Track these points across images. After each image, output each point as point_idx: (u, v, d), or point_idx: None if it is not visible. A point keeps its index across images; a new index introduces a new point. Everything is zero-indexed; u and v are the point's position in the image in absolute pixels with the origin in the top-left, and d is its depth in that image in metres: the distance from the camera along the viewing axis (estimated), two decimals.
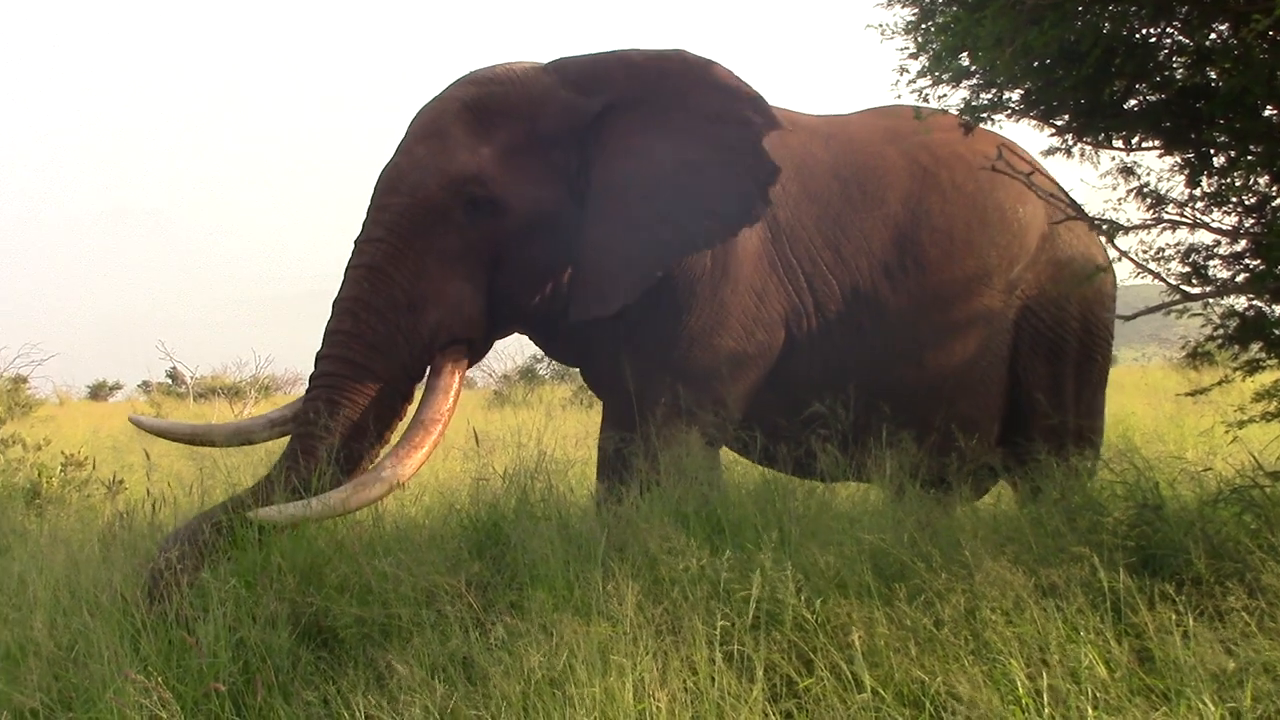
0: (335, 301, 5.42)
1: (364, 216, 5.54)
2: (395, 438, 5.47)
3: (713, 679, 3.61)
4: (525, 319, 5.95)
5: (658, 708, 3.44)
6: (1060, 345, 6.47)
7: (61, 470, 7.91)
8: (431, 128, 5.58)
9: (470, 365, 5.84)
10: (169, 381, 30.45)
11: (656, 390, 5.65)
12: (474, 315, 5.52)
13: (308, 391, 5.41)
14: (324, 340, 5.40)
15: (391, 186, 5.47)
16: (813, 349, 5.99)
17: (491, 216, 5.47)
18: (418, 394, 5.56)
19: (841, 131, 6.37)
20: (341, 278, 5.48)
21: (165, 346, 23.31)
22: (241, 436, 5.70)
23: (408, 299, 5.33)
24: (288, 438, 5.49)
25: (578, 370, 6.94)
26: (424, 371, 5.53)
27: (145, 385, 32.34)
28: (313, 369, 5.43)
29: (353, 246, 5.49)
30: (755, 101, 5.75)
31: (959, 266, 6.15)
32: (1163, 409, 12.25)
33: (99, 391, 36.46)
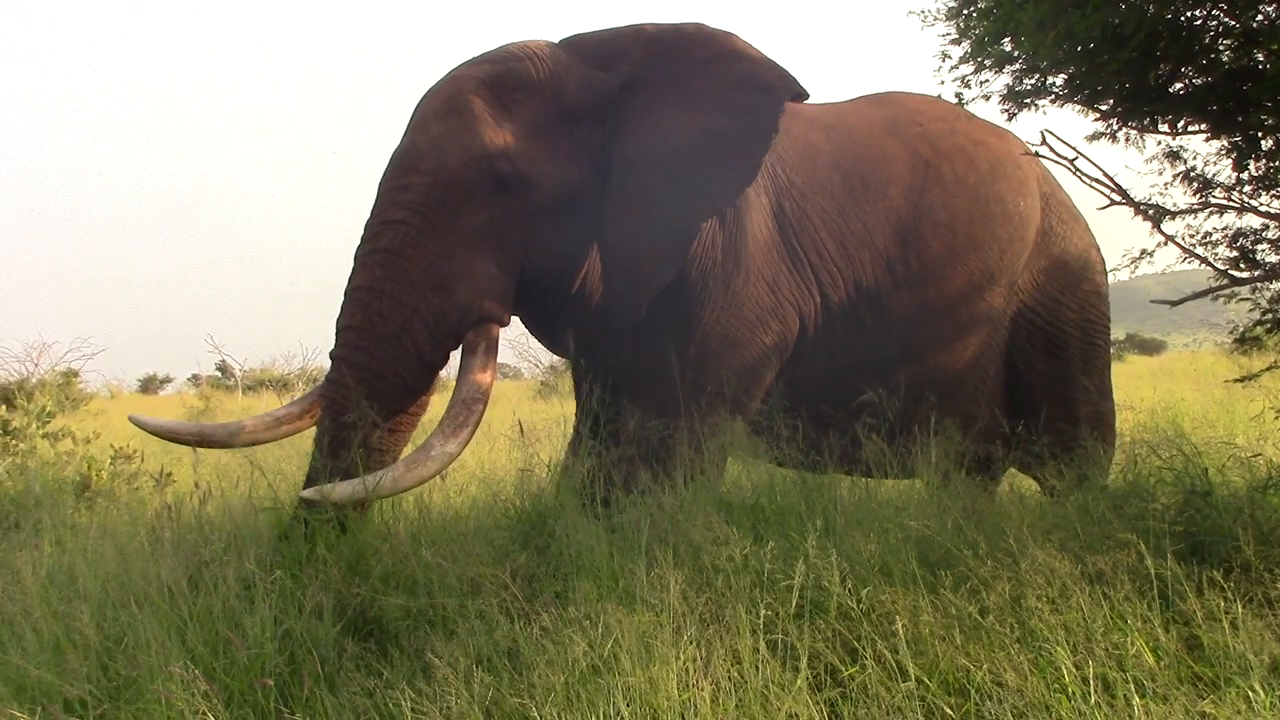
0: (347, 291, 5.27)
1: (375, 199, 5.38)
2: (409, 433, 5.40)
3: (757, 668, 3.61)
4: (533, 303, 5.79)
5: (701, 697, 3.44)
6: (1061, 338, 6.46)
7: (111, 463, 7.95)
8: (449, 106, 5.43)
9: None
10: (218, 374, 30.72)
11: (677, 383, 5.58)
12: (503, 295, 5.38)
13: (322, 392, 5.30)
14: (336, 336, 5.27)
15: (410, 166, 5.31)
16: (818, 341, 5.96)
17: (519, 194, 5.35)
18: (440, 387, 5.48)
19: (840, 122, 6.32)
20: (353, 264, 5.31)
21: (214, 340, 23.51)
22: (248, 436, 5.42)
23: (431, 280, 5.18)
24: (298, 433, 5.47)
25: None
26: (446, 357, 5.39)
27: (195, 378, 32.61)
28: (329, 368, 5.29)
29: (364, 230, 5.34)
30: (775, 69, 5.69)
31: (961, 261, 6.12)
32: (1213, 395, 12.12)
33: (149, 385, 36.88)
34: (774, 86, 5.62)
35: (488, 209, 5.30)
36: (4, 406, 8.67)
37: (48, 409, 8.88)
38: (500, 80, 5.46)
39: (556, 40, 5.84)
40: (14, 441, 8.06)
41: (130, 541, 5.13)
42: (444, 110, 5.41)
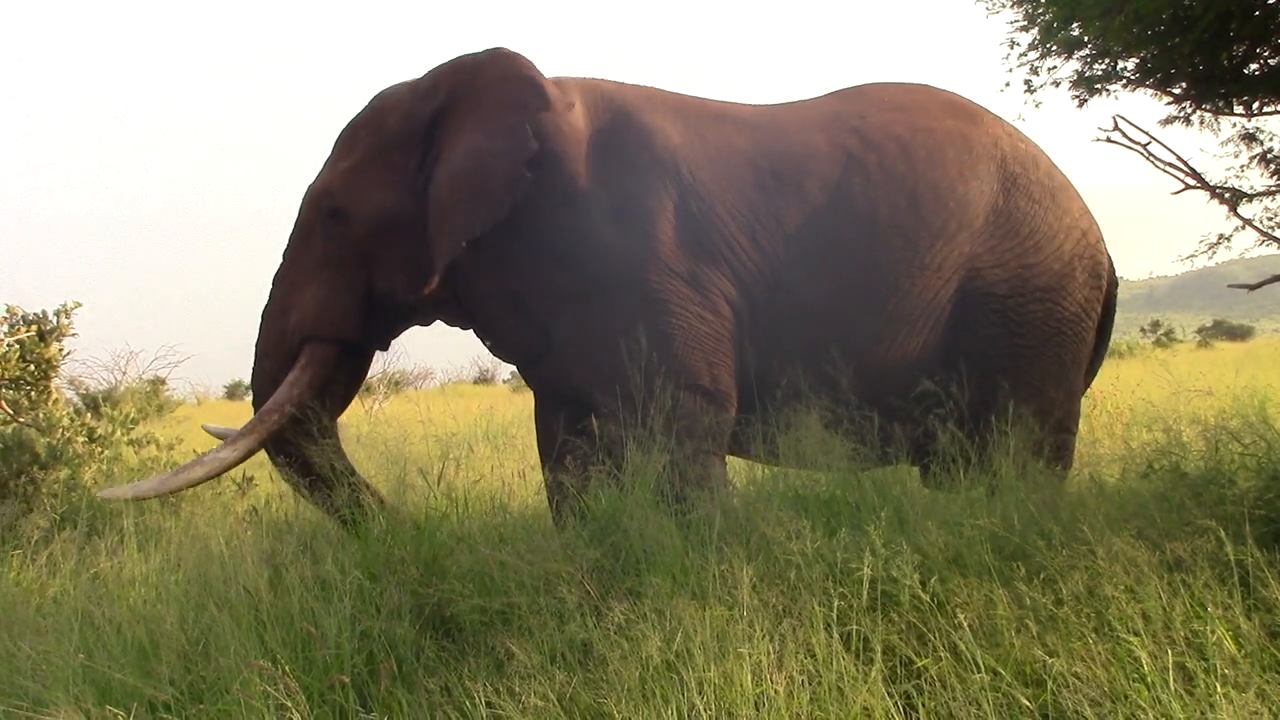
0: None
1: None
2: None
3: (831, 661, 3.60)
4: (420, 313, 6.45)
5: (776, 690, 3.43)
6: (1018, 321, 6.16)
7: None
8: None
9: (368, 358, 6.58)
10: None
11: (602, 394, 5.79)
12: (329, 317, 6.09)
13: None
14: None
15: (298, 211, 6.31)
16: (742, 333, 5.98)
17: (343, 223, 6.07)
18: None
19: (772, 121, 6.38)
20: None
21: None
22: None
23: (280, 308, 6.18)
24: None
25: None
26: None
27: None
28: None
29: None
30: (535, 87, 5.92)
31: (884, 250, 5.99)
32: None
33: (235, 391, 37.33)
34: (526, 104, 5.88)
35: (324, 241, 6.11)
36: (90, 414, 8.80)
37: (132, 416, 9.02)
38: (354, 123, 6.27)
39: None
40: (100, 449, 8.20)
41: (212, 545, 5.24)
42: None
